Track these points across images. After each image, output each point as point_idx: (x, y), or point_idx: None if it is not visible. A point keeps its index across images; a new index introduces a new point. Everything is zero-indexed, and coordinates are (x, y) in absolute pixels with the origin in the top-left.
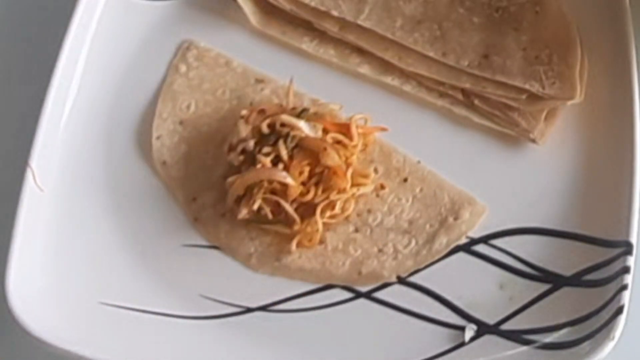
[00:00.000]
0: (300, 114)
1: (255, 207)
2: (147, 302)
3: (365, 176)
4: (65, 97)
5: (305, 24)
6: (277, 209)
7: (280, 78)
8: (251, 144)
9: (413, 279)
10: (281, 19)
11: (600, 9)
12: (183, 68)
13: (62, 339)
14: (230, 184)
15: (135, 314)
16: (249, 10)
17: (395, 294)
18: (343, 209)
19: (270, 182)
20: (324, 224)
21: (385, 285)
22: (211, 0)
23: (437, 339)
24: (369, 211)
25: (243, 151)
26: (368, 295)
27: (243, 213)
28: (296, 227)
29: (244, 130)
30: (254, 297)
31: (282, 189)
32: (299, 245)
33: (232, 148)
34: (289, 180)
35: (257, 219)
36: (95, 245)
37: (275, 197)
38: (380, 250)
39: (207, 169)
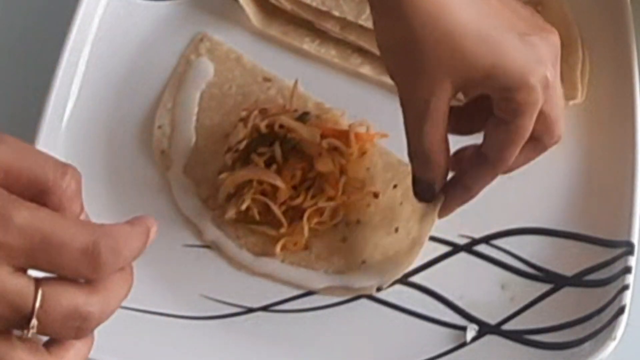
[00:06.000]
0: (301, 117)
1: (244, 207)
2: (148, 302)
3: (359, 187)
4: (67, 98)
5: (307, 24)
6: (266, 210)
7: (282, 78)
8: (243, 143)
9: (414, 278)
10: (282, 19)
11: (601, 9)
12: (194, 59)
13: None
14: (222, 180)
15: (136, 314)
16: (251, 10)
17: (397, 293)
18: (332, 217)
19: (261, 182)
20: (311, 229)
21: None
22: (213, 1)
23: (439, 339)
24: (357, 222)
25: (237, 151)
26: (369, 295)
27: (230, 213)
28: (282, 230)
29: (243, 132)
30: (255, 297)
31: (272, 191)
32: (283, 248)
33: (230, 149)
34: (278, 182)
35: (244, 218)
36: None
37: (264, 199)
38: (364, 262)
39: (204, 163)
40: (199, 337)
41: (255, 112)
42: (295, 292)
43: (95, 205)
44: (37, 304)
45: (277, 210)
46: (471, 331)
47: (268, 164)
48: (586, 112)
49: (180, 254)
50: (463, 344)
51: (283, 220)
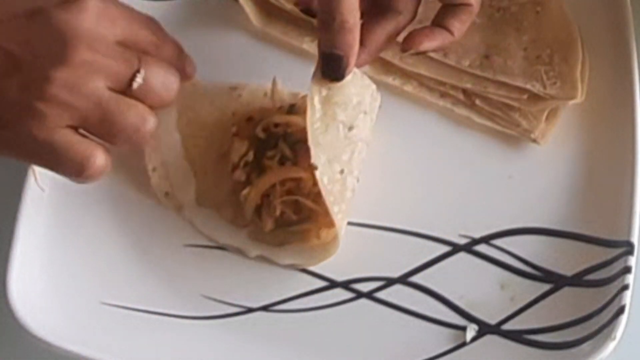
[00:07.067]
0: (290, 109)
1: (278, 212)
2: (149, 302)
3: None
4: None
5: (307, 24)
6: (296, 207)
7: (281, 78)
8: (251, 155)
9: (414, 278)
10: (282, 19)
11: (601, 9)
12: None
13: (63, 338)
14: (246, 196)
15: (137, 314)
16: (250, 10)
17: (396, 294)
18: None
19: (283, 183)
20: None
21: (386, 285)
22: (212, 1)
23: (438, 339)
24: None
25: (246, 164)
26: (369, 295)
27: (269, 224)
28: (320, 218)
29: (241, 145)
30: (255, 297)
31: (297, 186)
32: (321, 232)
33: (235, 167)
34: (302, 173)
35: (281, 223)
36: (96, 245)
37: (294, 197)
38: None
39: (214, 188)
40: (199, 337)
41: (243, 123)
42: (296, 292)
43: (96, 206)
44: (141, 62)
45: (310, 203)
46: (471, 331)
47: (281, 164)
48: (586, 112)
49: (180, 254)
50: (463, 344)
51: (317, 208)
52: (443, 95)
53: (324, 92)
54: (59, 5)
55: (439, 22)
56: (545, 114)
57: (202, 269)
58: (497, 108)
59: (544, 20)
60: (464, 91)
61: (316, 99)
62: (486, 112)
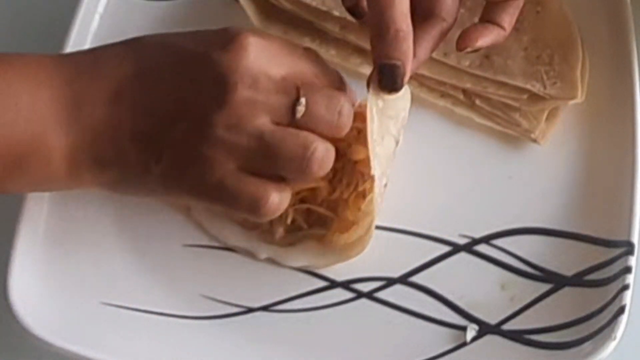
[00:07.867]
0: None
1: (289, 221)
2: (148, 302)
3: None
4: None
5: (307, 24)
6: (308, 214)
7: None
8: None
9: (414, 278)
10: (282, 19)
11: (601, 9)
12: None
13: (63, 338)
14: None
15: (136, 314)
16: (251, 10)
17: (397, 293)
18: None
19: (298, 192)
20: (362, 212)
21: (386, 285)
22: (212, 1)
23: (439, 339)
24: None
25: None
26: (369, 295)
27: (280, 232)
28: (335, 224)
29: None
30: (255, 297)
31: (311, 194)
32: (334, 236)
33: None
34: (320, 183)
35: (292, 229)
36: (96, 245)
37: (305, 205)
38: None
39: None
40: (199, 337)
41: None
42: (296, 292)
43: (96, 206)
44: (300, 90)
45: (324, 211)
46: (471, 331)
47: None
48: (586, 112)
49: (180, 254)
50: (463, 344)
51: (331, 215)
52: (443, 95)
53: (380, 103)
54: (220, 47)
55: (488, 18)
56: (545, 114)
57: (202, 269)
58: (497, 108)
59: (544, 20)
60: (464, 91)
61: (374, 110)
62: (486, 112)
